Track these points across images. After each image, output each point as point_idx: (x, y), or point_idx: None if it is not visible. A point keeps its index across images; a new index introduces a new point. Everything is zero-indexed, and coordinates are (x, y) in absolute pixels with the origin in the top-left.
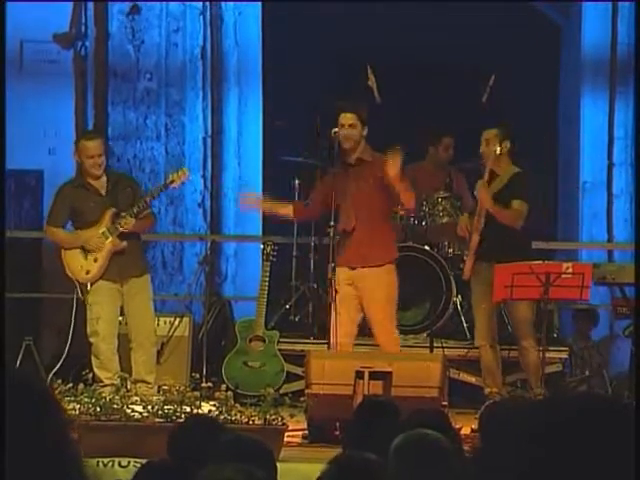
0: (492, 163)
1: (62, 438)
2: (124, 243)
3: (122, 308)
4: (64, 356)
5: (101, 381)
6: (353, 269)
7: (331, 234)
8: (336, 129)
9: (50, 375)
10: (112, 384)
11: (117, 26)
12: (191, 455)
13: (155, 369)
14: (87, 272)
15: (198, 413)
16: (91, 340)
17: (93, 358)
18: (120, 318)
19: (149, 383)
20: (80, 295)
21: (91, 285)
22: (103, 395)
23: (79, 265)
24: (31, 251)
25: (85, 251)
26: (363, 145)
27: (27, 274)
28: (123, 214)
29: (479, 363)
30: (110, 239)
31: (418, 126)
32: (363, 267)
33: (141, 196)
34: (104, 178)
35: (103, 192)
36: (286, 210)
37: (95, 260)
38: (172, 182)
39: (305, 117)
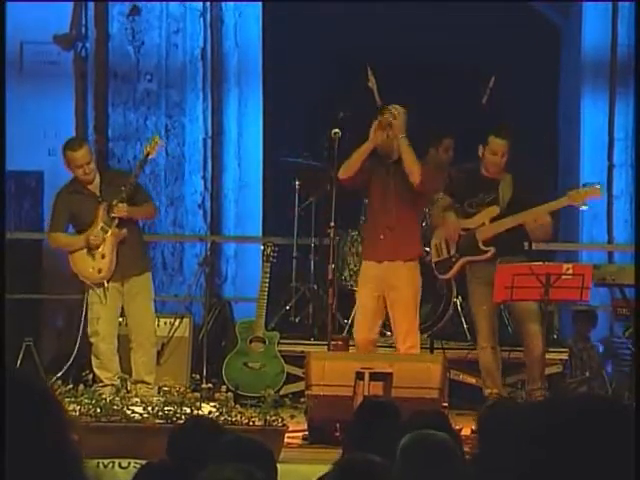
0: (496, 172)
1: (62, 438)
2: (124, 230)
3: (123, 309)
4: (74, 356)
5: (101, 381)
6: (380, 262)
7: (331, 235)
8: (336, 129)
9: (59, 375)
10: (112, 384)
11: (117, 27)
12: (191, 456)
13: (155, 370)
14: (99, 271)
15: (198, 414)
16: (91, 340)
17: (93, 358)
18: (120, 319)
19: (149, 384)
20: (100, 295)
21: (107, 282)
22: (103, 396)
23: (89, 267)
24: (31, 252)
25: (91, 251)
26: None
27: (27, 275)
28: (114, 202)
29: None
30: (110, 231)
31: (417, 127)
32: (391, 261)
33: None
34: (97, 180)
35: (96, 192)
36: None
37: (103, 257)
38: (149, 154)
39: (305, 118)
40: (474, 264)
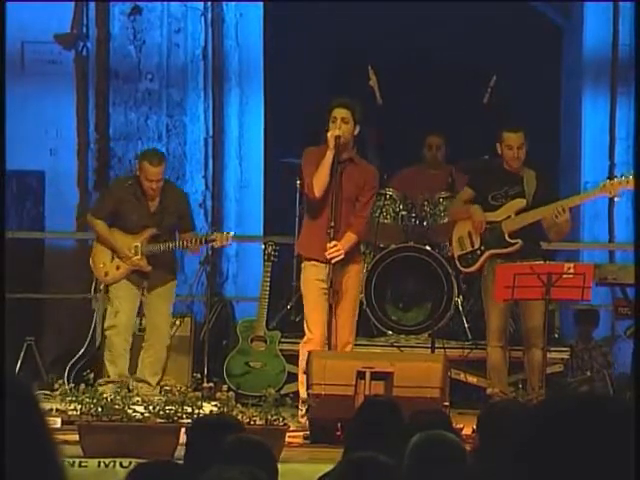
0: (517, 166)
1: (40, 441)
2: (149, 268)
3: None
4: (80, 354)
5: (108, 376)
6: (327, 263)
7: (331, 234)
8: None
9: (66, 372)
10: (115, 382)
11: (118, 27)
12: (204, 453)
13: (160, 373)
14: (106, 274)
15: (221, 412)
16: (106, 333)
17: (106, 351)
18: None
19: (150, 385)
20: (94, 292)
21: (105, 286)
22: (104, 395)
23: (101, 263)
24: (33, 252)
25: (113, 254)
26: (352, 144)
27: (29, 274)
28: (160, 243)
29: (481, 363)
30: (139, 257)
31: (418, 130)
32: (340, 263)
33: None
34: (158, 197)
35: (152, 209)
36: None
37: (117, 268)
38: (213, 240)
39: (306, 117)
40: (493, 260)
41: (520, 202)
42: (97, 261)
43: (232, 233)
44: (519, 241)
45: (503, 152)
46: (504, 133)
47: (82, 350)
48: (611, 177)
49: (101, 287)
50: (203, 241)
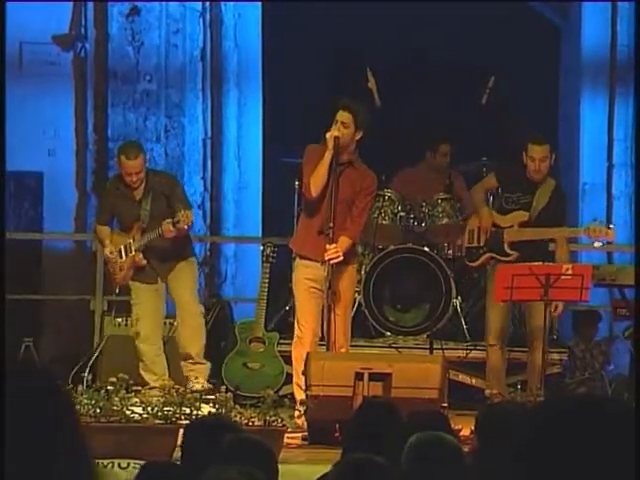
0: (537, 177)
1: (77, 442)
2: (144, 262)
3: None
4: (95, 356)
5: (147, 384)
6: (322, 264)
7: (330, 235)
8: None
9: (71, 375)
10: (160, 386)
11: (117, 28)
12: (203, 454)
13: (201, 344)
14: (116, 276)
15: (219, 413)
16: (135, 343)
17: (140, 362)
18: (119, 320)
19: (192, 358)
20: (116, 295)
21: (119, 289)
22: (103, 396)
23: (111, 268)
24: (31, 252)
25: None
26: (353, 148)
27: (27, 275)
28: (148, 235)
29: (479, 364)
30: (132, 254)
31: (417, 131)
32: (335, 265)
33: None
34: (142, 185)
35: (138, 197)
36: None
37: (121, 269)
38: (178, 222)
39: (304, 118)
40: (495, 261)
41: (522, 215)
42: (109, 267)
43: (191, 210)
44: (514, 253)
45: (527, 163)
46: (529, 144)
47: (96, 353)
48: (610, 223)
49: (117, 290)
50: (171, 225)
